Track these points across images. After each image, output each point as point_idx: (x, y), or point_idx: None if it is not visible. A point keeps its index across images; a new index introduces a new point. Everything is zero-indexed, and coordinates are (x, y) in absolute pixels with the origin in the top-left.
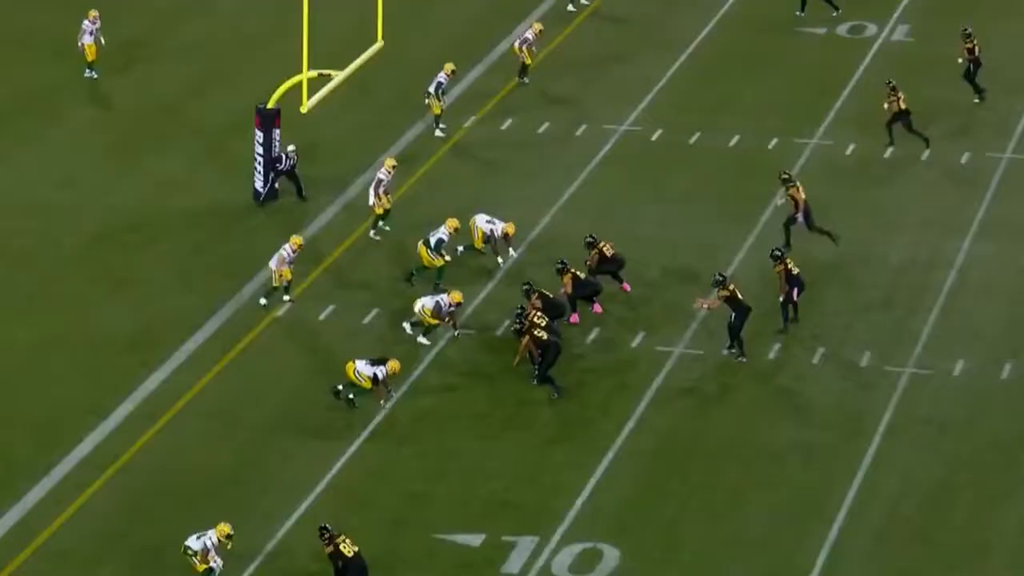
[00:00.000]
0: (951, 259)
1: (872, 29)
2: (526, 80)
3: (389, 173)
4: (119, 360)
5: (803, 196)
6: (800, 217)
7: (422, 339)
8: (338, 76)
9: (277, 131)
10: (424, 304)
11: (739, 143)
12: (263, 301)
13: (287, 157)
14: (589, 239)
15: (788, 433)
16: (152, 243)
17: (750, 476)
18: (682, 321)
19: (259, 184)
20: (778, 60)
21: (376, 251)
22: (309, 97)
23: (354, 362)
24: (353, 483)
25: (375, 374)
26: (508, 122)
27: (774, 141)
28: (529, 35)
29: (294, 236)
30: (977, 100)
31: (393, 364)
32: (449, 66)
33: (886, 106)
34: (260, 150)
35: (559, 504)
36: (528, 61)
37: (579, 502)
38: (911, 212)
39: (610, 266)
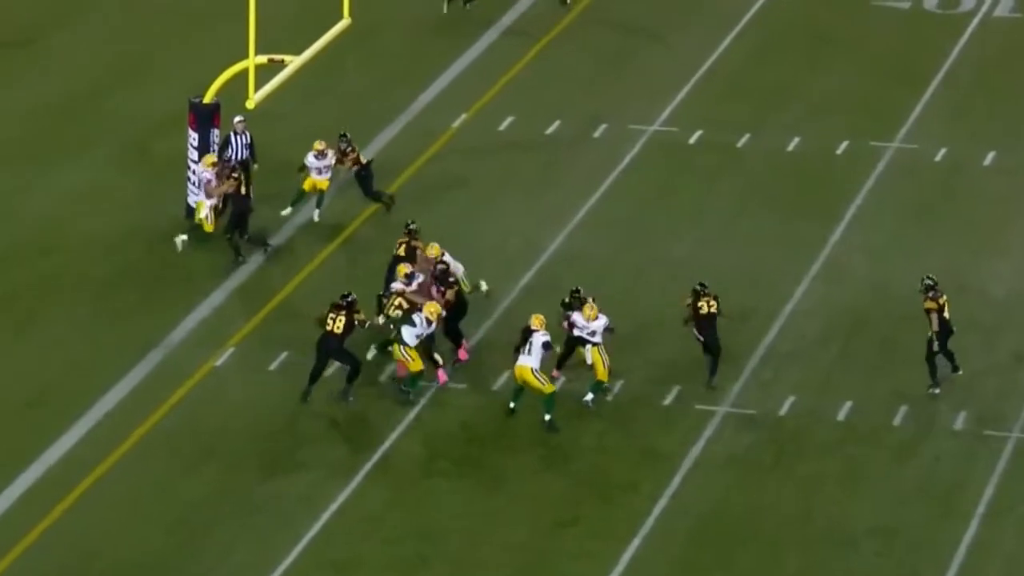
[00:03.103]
0: None
1: (969, 2)
2: (468, 6)
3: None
4: (15, 423)
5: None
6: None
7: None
8: (294, 62)
9: (216, 131)
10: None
11: (800, 147)
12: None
13: (236, 136)
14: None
15: (861, 513)
16: (60, 273)
17: (814, 566)
18: (728, 372)
19: (192, 198)
20: (850, 41)
21: (342, 285)
22: (257, 89)
23: (397, 344)
24: None
25: (423, 320)
26: (508, 120)
27: (844, 144)
28: None
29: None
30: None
31: (430, 308)
32: (317, 144)
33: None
34: (195, 155)
35: None
36: None
37: None
38: (1019, 233)
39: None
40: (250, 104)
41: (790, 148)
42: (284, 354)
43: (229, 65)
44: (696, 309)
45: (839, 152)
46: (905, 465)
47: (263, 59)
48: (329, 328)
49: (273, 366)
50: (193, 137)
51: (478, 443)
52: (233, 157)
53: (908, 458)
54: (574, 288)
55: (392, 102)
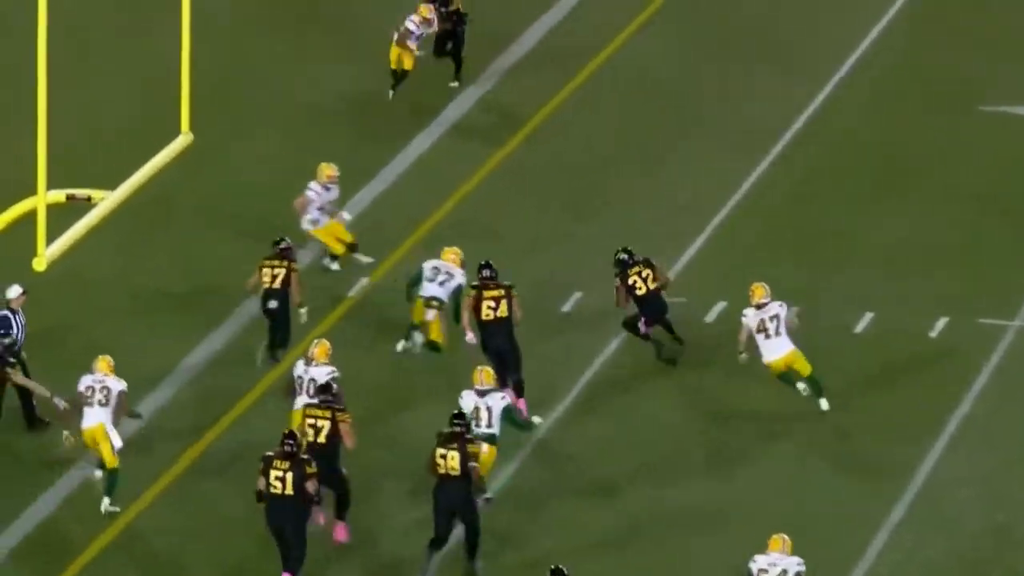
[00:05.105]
0: None
1: None
2: (391, 91)
3: None
4: None
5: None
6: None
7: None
8: (107, 198)
9: None
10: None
11: (873, 327)
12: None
13: (16, 316)
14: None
15: None
16: None
17: None
18: None
19: None
20: (945, 166)
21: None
22: (51, 242)
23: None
24: None
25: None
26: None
27: (940, 323)
28: (412, 23)
29: None
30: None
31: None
32: (327, 169)
33: None
34: None
35: None
36: (407, 65)
37: None
38: None
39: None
40: (39, 264)
41: (858, 328)
42: None
43: (8, 204)
44: (630, 288)
45: (933, 334)
46: None
47: (60, 195)
48: (279, 492)
49: None
50: None
51: None
52: (19, 343)
53: None
54: None
55: (258, 250)
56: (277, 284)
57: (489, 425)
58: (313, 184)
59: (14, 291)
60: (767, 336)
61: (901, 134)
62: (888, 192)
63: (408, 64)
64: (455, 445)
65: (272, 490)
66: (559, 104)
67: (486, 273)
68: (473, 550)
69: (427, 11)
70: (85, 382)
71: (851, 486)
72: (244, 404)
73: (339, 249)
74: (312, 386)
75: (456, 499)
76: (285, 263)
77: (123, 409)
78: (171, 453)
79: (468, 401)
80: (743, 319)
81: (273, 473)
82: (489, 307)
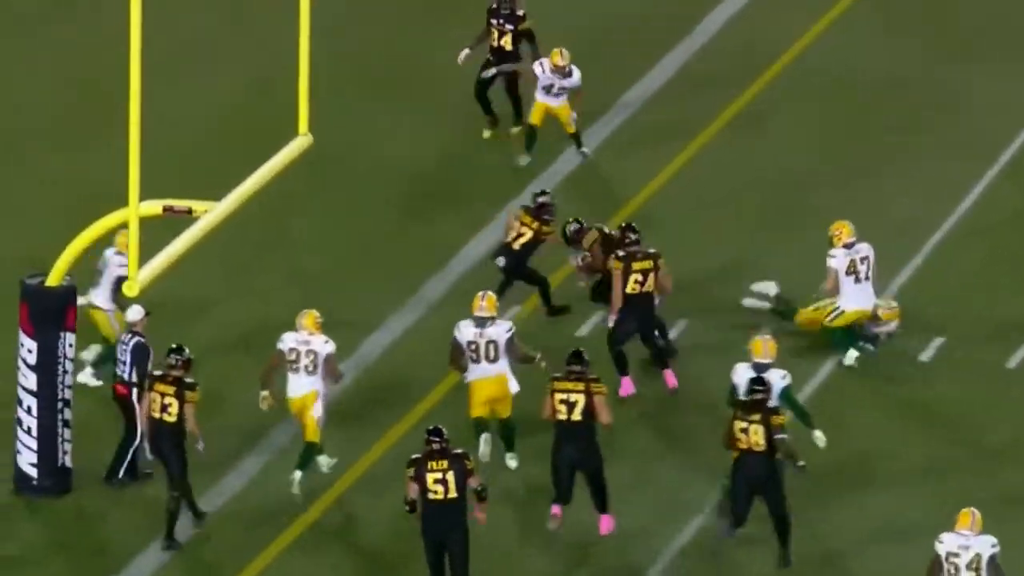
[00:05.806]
0: None
1: None
2: (586, 150)
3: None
4: None
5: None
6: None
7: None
8: (210, 212)
9: (71, 335)
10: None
11: None
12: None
13: (143, 338)
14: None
15: None
16: None
17: None
18: None
19: (29, 459)
20: None
21: None
22: (144, 262)
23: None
24: None
25: None
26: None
27: None
28: (543, 69)
29: None
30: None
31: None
32: (557, 54)
33: None
34: (31, 379)
35: None
36: (574, 128)
37: None
38: None
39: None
40: (131, 288)
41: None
42: None
43: (96, 218)
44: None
45: None
46: None
47: (155, 207)
48: (442, 497)
49: None
50: (29, 347)
51: None
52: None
53: None
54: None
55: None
56: (517, 245)
57: None
58: None
59: (136, 312)
60: (857, 279)
61: None
62: None
63: (566, 116)
64: (758, 416)
65: (432, 495)
66: (741, 109)
67: (632, 237)
68: (784, 535)
69: (558, 56)
70: (287, 342)
71: None
72: (381, 445)
73: None
74: (493, 349)
75: (760, 476)
76: (536, 225)
77: (332, 375)
78: (307, 492)
79: (742, 375)
80: (831, 260)
81: (430, 477)
82: (636, 280)
